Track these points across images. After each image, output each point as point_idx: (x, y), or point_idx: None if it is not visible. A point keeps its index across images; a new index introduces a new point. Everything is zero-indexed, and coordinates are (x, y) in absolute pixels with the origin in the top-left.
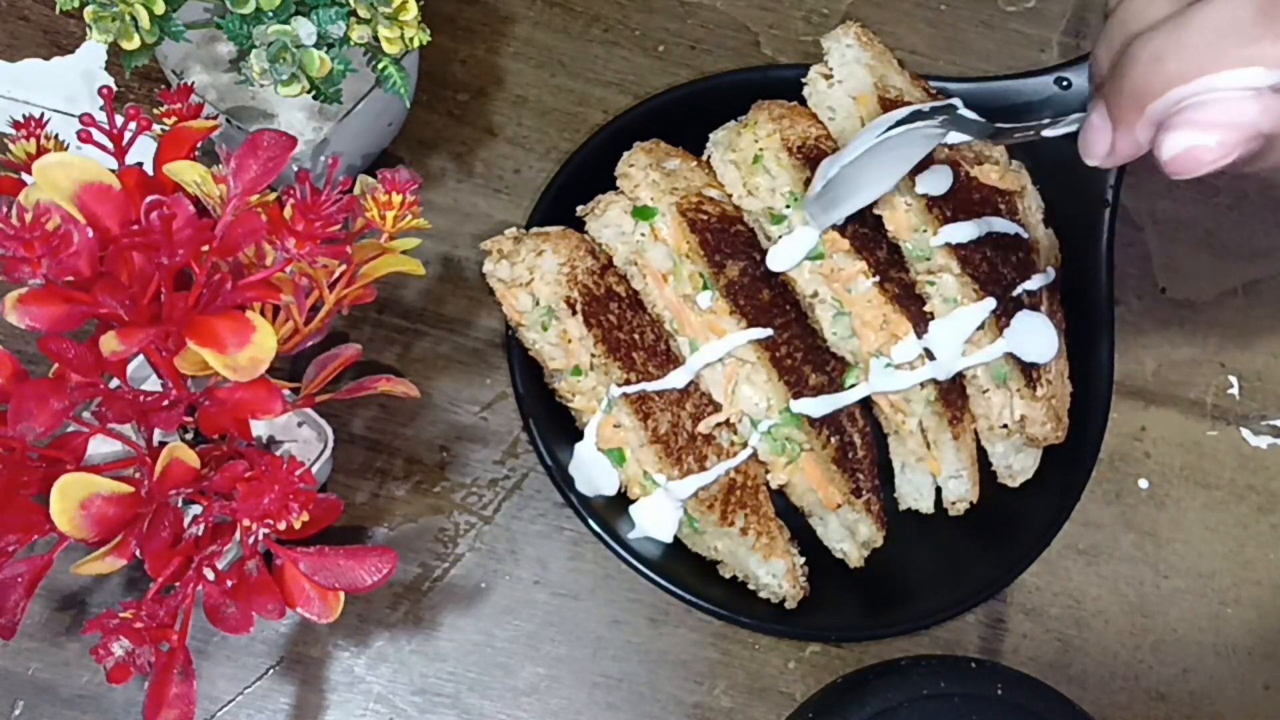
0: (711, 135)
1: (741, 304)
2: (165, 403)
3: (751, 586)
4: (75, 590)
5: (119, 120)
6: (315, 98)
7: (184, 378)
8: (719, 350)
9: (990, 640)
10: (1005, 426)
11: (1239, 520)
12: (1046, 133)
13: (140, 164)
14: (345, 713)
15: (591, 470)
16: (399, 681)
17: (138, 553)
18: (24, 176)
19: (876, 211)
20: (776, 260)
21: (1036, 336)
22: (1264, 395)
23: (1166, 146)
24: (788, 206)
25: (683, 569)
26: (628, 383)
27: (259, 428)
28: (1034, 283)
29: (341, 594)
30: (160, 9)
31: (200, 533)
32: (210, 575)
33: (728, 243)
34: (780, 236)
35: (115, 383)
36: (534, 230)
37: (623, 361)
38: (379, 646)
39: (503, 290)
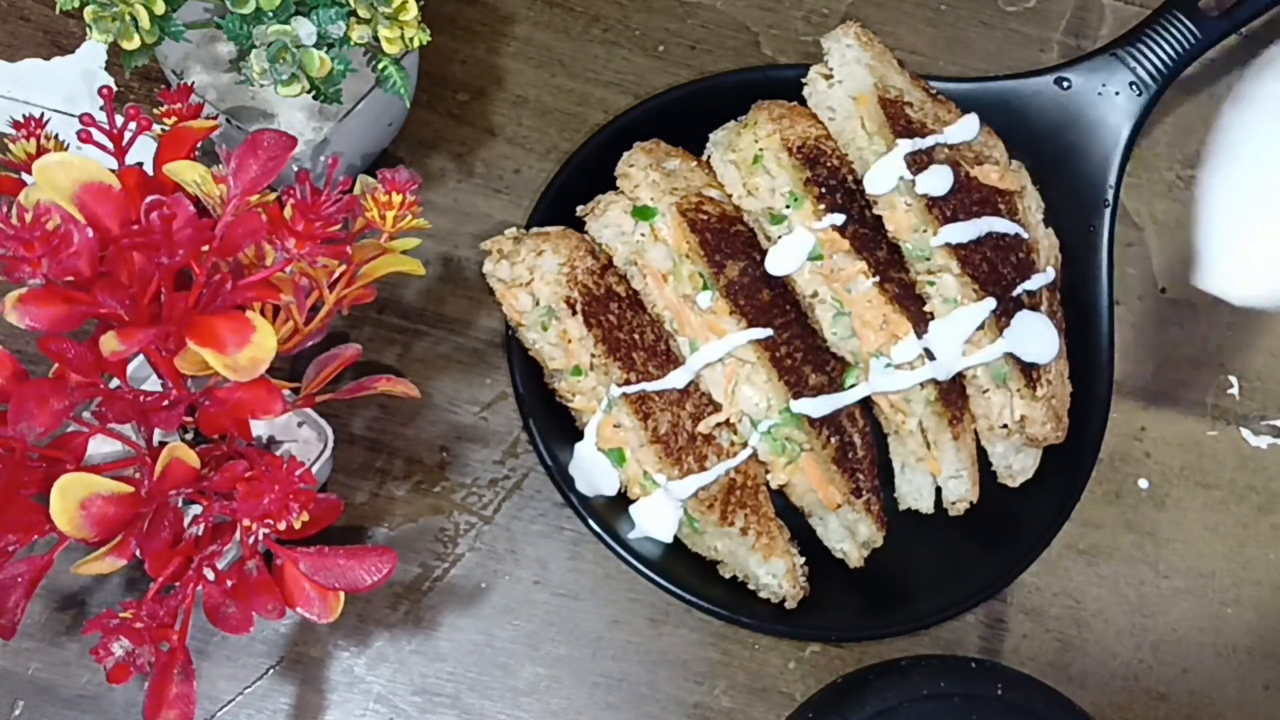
0: (711, 135)
1: (741, 304)
2: (165, 403)
3: (751, 586)
4: (75, 590)
5: (119, 120)
6: (315, 98)
7: (184, 378)
8: (719, 350)
9: (990, 640)
10: (1005, 426)
11: (1239, 520)
12: None
13: (140, 164)
14: (345, 713)
15: (591, 470)
16: (399, 681)
17: (138, 553)
18: (24, 176)
19: (876, 211)
20: (775, 264)
21: (1036, 336)
22: (1264, 395)
23: None
24: (787, 206)
25: (683, 569)
26: (628, 383)
27: (259, 428)
28: (1034, 283)
29: (341, 594)
30: (160, 9)
31: (200, 533)
32: (210, 575)
33: (728, 243)
34: (780, 237)
35: (115, 383)
36: (534, 230)
37: (623, 361)
38: (379, 646)
39: (503, 290)
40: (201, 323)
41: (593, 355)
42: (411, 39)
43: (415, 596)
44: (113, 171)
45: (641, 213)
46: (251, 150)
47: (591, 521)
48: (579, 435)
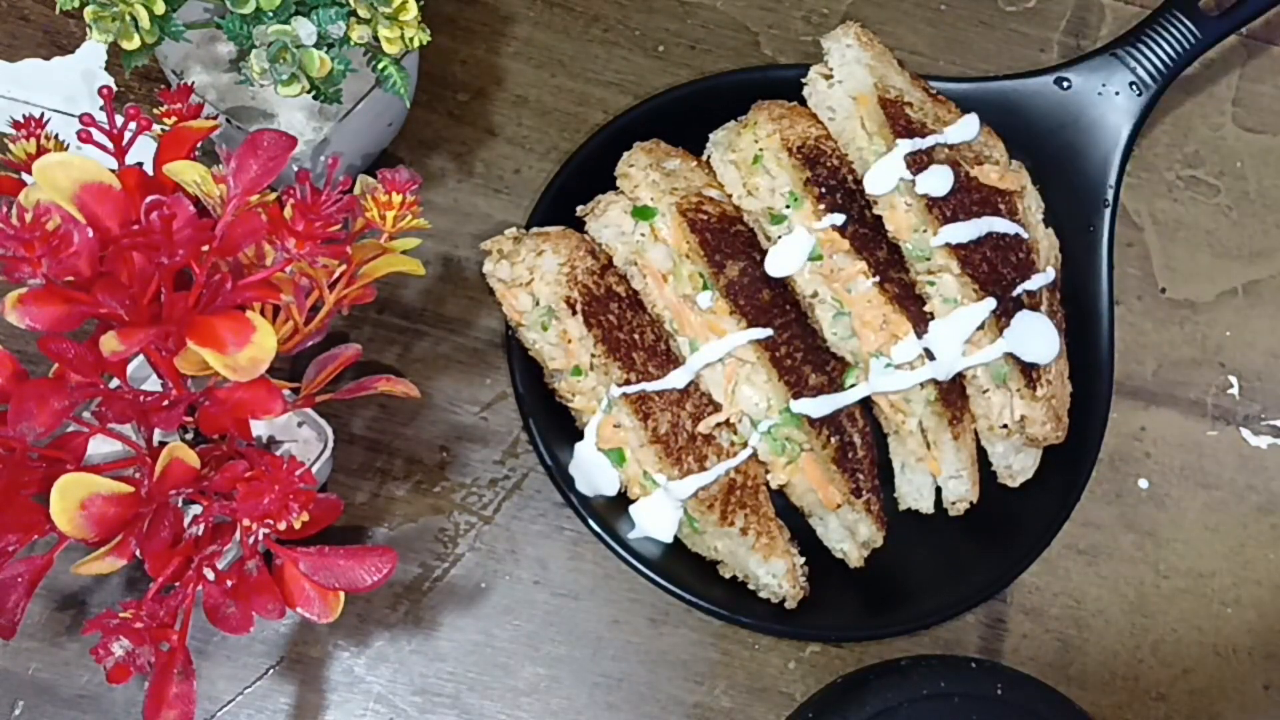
0: (711, 135)
1: (741, 304)
2: (165, 403)
3: (751, 586)
4: (75, 590)
5: (119, 120)
6: (315, 98)
7: (184, 378)
8: (719, 350)
9: (990, 640)
10: (1005, 426)
11: (1239, 520)
12: None
13: (140, 164)
14: (345, 713)
15: (591, 470)
16: (399, 681)
17: (138, 553)
18: (24, 176)
19: (877, 211)
20: (775, 264)
21: (1036, 336)
22: (1264, 395)
23: None
24: (787, 207)
25: (683, 569)
26: (628, 383)
27: (259, 428)
28: (1034, 283)
29: (341, 594)
30: (160, 9)
31: (200, 533)
32: (210, 575)
33: (728, 243)
34: (780, 237)
35: (115, 383)
36: (534, 230)
37: (623, 361)
38: (379, 646)
39: (503, 290)
40: (201, 323)
41: (593, 355)
42: (411, 39)
43: (415, 596)
44: (113, 171)
45: (641, 213)
46: (251, 150)
47: (591, 521)
48: (579, 435)
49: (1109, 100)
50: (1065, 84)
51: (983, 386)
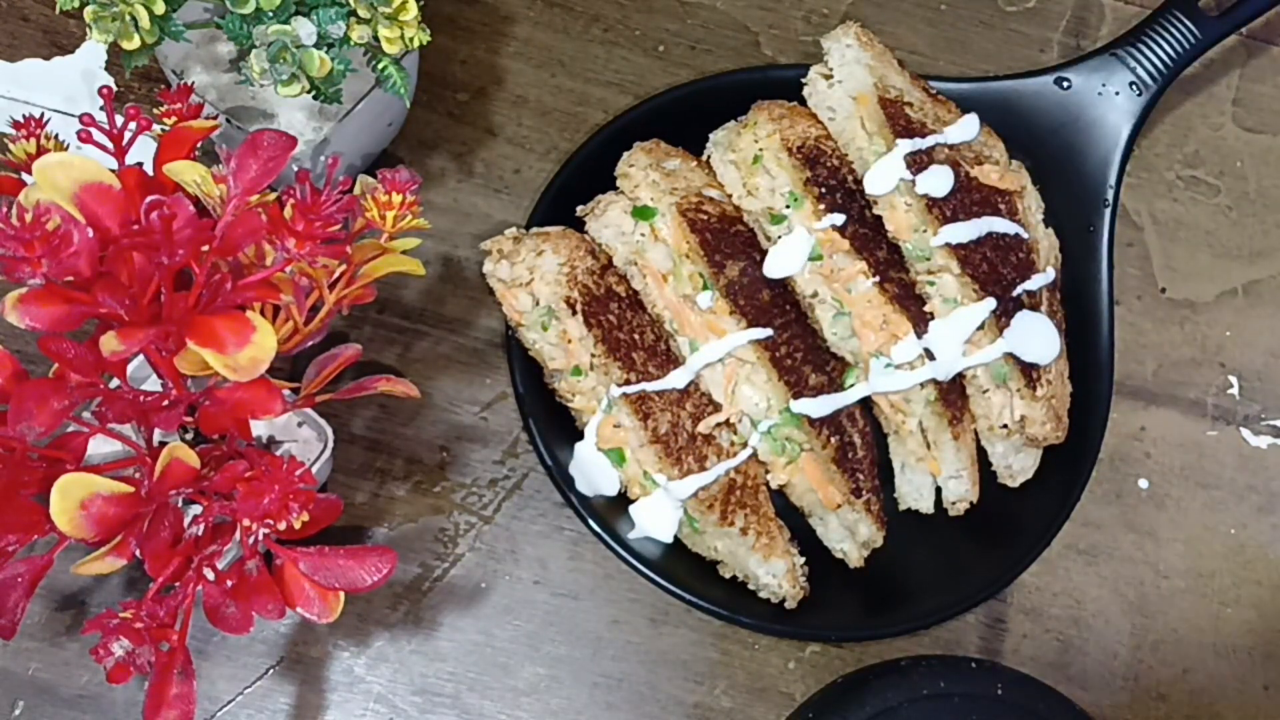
0: (711, 135)
1: (741, 304)
2: (165, 403)
3: (751, 586)
4: (75, 590)
5: (119, 120)
6: (315, 98)
7: (184, 378)
8: (719, 350)
9: (990, 640)
10: (1005, 426)
11: (1239, 520)
12: None
13: (140, 164)
14: (345, 713)
15: (591, 470)
16: (399, 681)
17: (138, 553)
18: (24, 176)
19: (876, 211)
20: (775, 264)
21: (1036, 336)
22: (1264, 395)
23: None
24: (787, 207)
25: (683, 569)
26: (628, 383)
27: (259, 428)
28: (1034, 283)
29: (341, 594)
30: (160, 9)
31: (200, 533)
32: (210, 575)
33: (728, 243)
34: (780, 237)
35: (115, 383)
36: (534, 230)
37: (623, 361)
38: (379, 646)
39: (503, 290)
40: (201, 323)
41: (593, 355)
42: (411, 39)
43: (415, 596)
44: (113, 171)
45: (641, 213)
46: (251, 150)
47: (591, 521)
48: (579, 435)
49: (1109, 100)
50: (1065, 84)
51: (983, 386)
